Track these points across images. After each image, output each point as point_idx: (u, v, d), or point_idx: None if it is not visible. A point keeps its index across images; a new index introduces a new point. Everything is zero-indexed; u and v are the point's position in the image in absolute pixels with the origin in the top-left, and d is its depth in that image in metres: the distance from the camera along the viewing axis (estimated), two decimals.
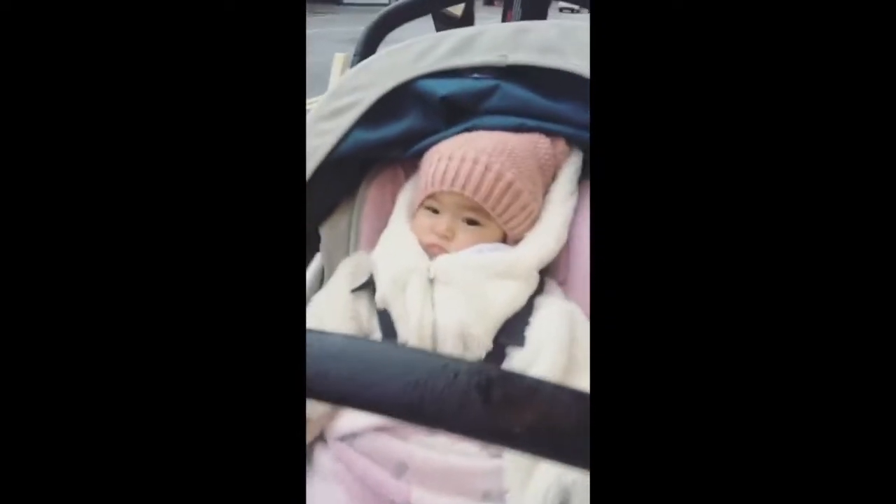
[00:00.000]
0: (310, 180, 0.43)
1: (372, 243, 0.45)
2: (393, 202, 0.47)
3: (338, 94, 0.46)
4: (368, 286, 0.40)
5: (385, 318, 0.38)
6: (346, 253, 0.47)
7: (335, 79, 0.60)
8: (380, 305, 0.38)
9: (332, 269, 0.45)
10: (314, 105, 0.47)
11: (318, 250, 0.48)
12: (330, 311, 0.39)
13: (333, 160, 0.44)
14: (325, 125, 0.44)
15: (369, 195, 0.48)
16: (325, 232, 0.47)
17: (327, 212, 0.48)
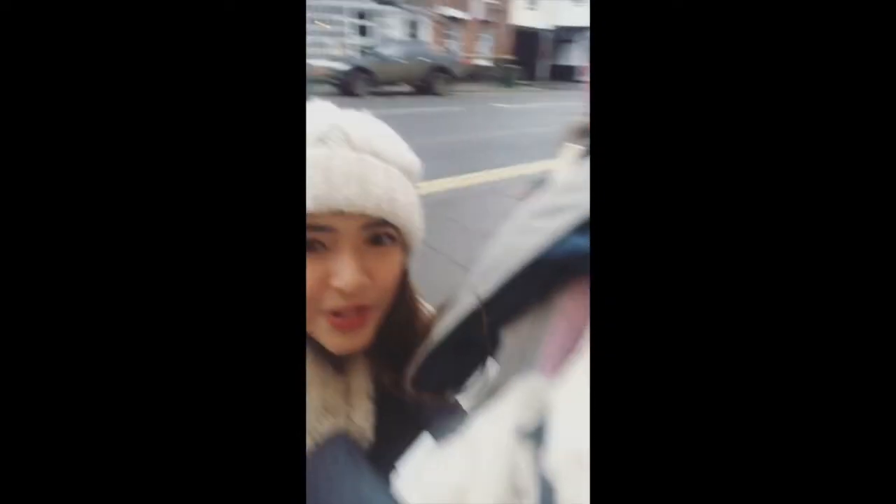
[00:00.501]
0: (507, 280, 0.37)
1: (554, 367, 0.35)
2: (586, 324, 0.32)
3: (561, 190, 0.39)
4: (540, 432, 0.30)
5: (548, 490, 0.27)
6: (520, 369, 0.38)
7: (562, 172, 0.52)
8: (545, 471, 0.27)
9: (504, 385, 0.37)
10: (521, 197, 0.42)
11: (492, 356, 0.41)
12: (486, 448, 0.31)
13: (538, 262, 0.37)
14: (539, 223, 0.37)
15: (564, 307, 0.39)
16: (506, 337, 0.40)
17: (512, 314, 0.40)
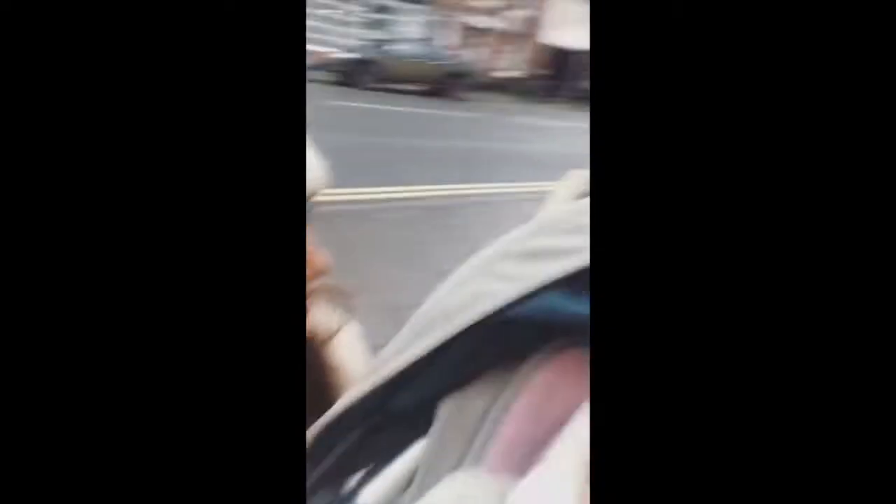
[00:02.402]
0: (460, 334, 0.28)
1: (506, 464, 0.27)
2: (565, 412, 0.27)
3: (548, 230, 0.31)
4: None
5: None
6: (458, 460, 0.29)
7: (553, 205, 0.44)
8: None
9: (437, 465, 0.28)
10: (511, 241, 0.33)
11: (422, 432, 0.31)
12: None
13: (505, 319, 0.28)
14: (514, 267, 0.29)
15: (531, 383, 0.30)
16: (444, 411, 0.31)
17: (457, 382, 0.31)
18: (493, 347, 0.29)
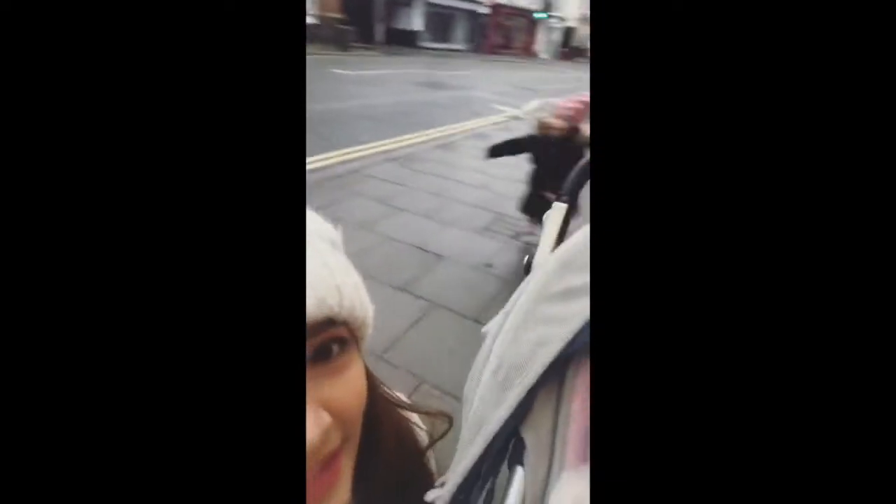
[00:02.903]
0: (533, 382, 0.35)
1: (581, 455, 0.34)
2: None
3: (568, 269, 0.36)
4: None
5: None
6: (550, 471, 0.36)
7: (553, 234, 0.51)
8: None
9: (538, 484, 0.35)
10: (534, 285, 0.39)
11: (517, 461, 0.39)
12: None
13: (564, 356, 0.34)
14: (555, 309, 0.35)
15: (578, 388, 0.36)
16: (528, 436, 0.37)
17: (530, 410, 0.37)
18: (549, 375, 0.36)
